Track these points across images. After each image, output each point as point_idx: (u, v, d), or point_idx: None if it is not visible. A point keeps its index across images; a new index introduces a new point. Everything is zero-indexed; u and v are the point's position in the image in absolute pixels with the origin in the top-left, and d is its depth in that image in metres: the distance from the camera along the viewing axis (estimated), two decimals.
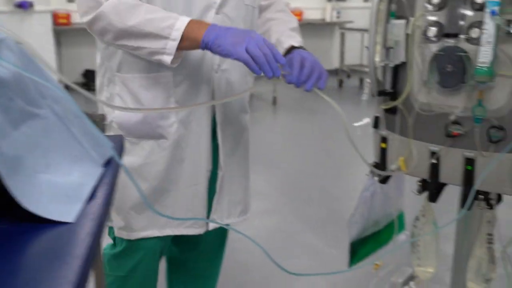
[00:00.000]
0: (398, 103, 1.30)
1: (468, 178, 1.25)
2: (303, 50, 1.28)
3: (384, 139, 1.40)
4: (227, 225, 1.40)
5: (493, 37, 1.09)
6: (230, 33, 1.08)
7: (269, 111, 5.72)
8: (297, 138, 4.64)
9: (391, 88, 1.34)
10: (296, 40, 1.33)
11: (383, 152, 1.41)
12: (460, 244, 1.48)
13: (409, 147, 1.33)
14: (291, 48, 1.29)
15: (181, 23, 1.11)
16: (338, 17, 7.48)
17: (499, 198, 1.32)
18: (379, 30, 1.34)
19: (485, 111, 1.15)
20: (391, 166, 1.38)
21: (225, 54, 1.08)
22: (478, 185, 1.23)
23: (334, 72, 6.93)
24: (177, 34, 1.10)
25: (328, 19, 7.48)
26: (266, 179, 3.42)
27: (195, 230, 1.36)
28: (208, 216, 1.36)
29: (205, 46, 1.10)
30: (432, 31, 1.22)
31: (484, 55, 1.11)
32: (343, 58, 7.04)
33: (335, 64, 7.40)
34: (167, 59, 1.12)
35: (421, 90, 1.28)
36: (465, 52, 1.17)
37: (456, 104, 1.22)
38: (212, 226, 1.39)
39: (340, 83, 6.98)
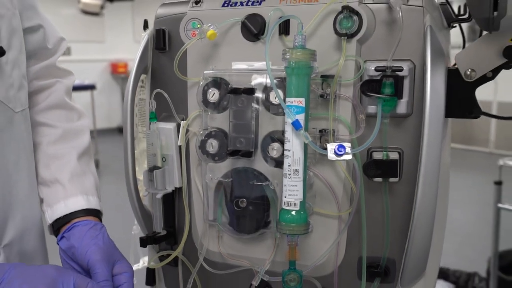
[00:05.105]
0: (177, 253, 0.80)
1: None
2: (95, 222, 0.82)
3: None
4: None
5: (301, 163, 0.66)
6: None
7: None
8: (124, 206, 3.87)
9: (167, 227, 0.85)
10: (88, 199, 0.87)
11: None
12: None
13: None
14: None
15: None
16: None
17: None
18: (138, 141, 0.86)
19: (299, 277, 0.70)
20: None
21: None
22: None
23: None
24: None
25: None
26: None
27: None
28: None
29: None
30: (213, 143, 0.76)
31: (290, 191, 0.67)
32: None
33: None
34: None
35: (207, 233, 0.80)
36: (266, 181, 0.73)
37: (260, 255, 0.77)
38: None
39: None
